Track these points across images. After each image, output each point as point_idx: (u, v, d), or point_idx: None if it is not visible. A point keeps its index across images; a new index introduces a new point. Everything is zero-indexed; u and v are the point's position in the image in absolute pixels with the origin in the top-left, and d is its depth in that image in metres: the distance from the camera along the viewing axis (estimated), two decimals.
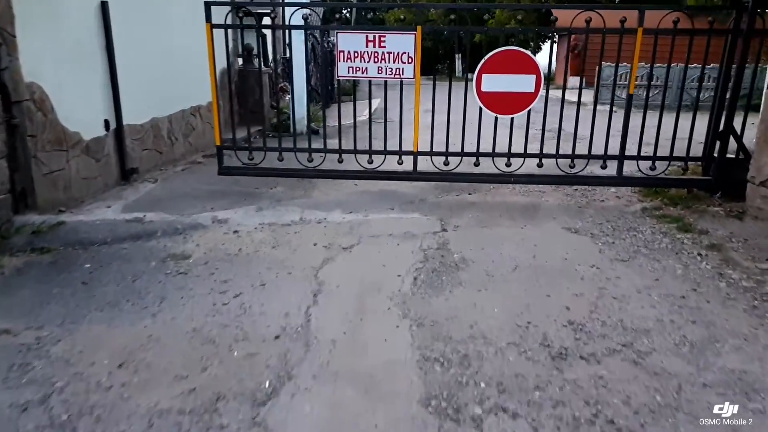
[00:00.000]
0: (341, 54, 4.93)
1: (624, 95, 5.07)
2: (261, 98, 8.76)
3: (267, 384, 2.32)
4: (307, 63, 11.31)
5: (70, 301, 3.04)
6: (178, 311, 2.93)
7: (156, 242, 3.97)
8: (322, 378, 2.37)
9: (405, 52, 4.90)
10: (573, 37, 19.52)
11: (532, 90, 4.88)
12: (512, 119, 5.03)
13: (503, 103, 4.95)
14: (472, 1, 10.61)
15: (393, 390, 2.29)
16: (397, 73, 4.94)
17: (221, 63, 5.16)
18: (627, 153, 5.00)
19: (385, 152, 5.26)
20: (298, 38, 7.93)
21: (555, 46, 5.01)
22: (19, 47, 4.14)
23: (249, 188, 5.53)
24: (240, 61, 9.39)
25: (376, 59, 4.90)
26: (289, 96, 7.50)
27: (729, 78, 4.76)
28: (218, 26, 5.01)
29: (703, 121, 4.92)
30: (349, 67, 4.96)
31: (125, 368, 2.42)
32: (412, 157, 5.21)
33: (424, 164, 5.21)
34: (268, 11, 5.57)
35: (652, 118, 4.95)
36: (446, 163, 5.21)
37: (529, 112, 4.96)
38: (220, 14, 4.95)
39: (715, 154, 4.97)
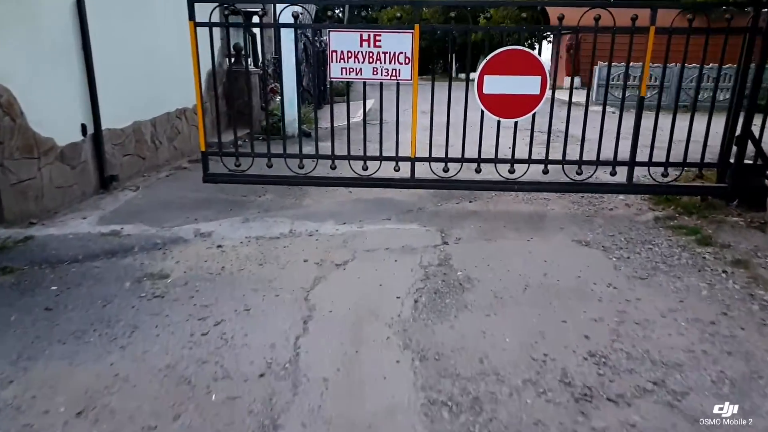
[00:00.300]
0: (334, 54, 4.61)
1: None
2: (250, 100, 8.41)
3: None
4: (299, 63, 10.99)
5: (29, 331, 2.70)
6: (151, 343, 2.60)
7: (132, 259, 3.63)
8: (312, 427, 2.05)
9: (402, 52, 4.58)
10: (568, 36, 19.35)
11: (538, 92, 4.58)
12: (516, 123, 4.74)
13: (507, 107, 4.65)
14: None
15: None
16: (394, 74, 4.63)
17: (207, 64, 4.82)
18: (635, 158, 4.72)
19: (381, 158, 4.95)
20: (288, 37, 7.58)
21: (557, 45, 4.73)
22: None
23: (236, 196, 5.20)
24: (228, 61, 9.03)
25: (371, 60, 4.58)
26: (280, 97, 7.16)
27: (746, 78, 4.48)
28: (202, 24, 4.67)
29: (715, 124, 4.64)
30: (342, 68, 4.64)
31: (84, 417, 2.09)
32: (409, 163, 4.90)
33: (422, 170, 4.90)
34: (257, 9, 5.24)
35: (661, 120, 4.66)
36: (446, 170, 4.91)
37: (534, 115, 4.66)
38: (205, 12, 4.62)
39: (731, 160, 4.69)
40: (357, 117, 10.56)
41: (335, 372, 2.39)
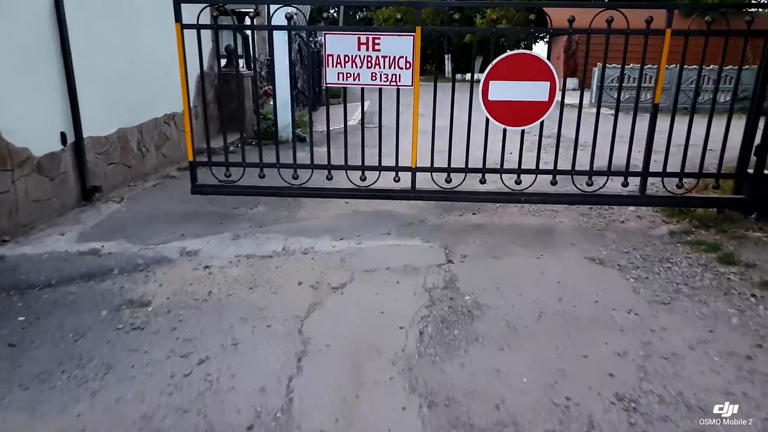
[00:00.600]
0: (330, 58, 4.33)
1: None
2: (243, 104, 8.12)
3: None
4: (293, 65, 10.69)
5: None
6: (126, 387, 2.32)
7: (111, 283, 3.33)
8: None
9: (402, 56, 4.31)
10: (564, 38, 19.14)
11: (546, 99, 4.33)
12: (523, 131, 4.48)
13: (513, 114, 4.39)
14: None
15: None
16: (393, 79, 4.36)
17: (197, 67, 4.54)
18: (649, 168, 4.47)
19: (380, 168, 4.67)
20: (281, 39, 7.29)
21: (566, 48, 4.47)
22: None
23: (226, 208, 4.91)
24: (218, 63, 8.74)
25: (369, 64, 4.31)
26: (273, 101, 6.87)
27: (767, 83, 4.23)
28: (189, 26, 4.40)
29: (731, 130, 4.40)
30: (339, 73, 4.36)
31: None
32: (410, 173, 4.63)
33: (423, 178, 4.63)
34: (249, 10, 4.96)
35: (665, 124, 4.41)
36: (448, 180, 4.64)
37: (542, 123, 4.40)
38: (193, 13, 4.34)
39: (749, 170, 4.44)
40: (354, 120, 10.27)
41: (334, 423, 2.12)
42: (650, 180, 4.59)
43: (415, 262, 3.72)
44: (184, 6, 4.35)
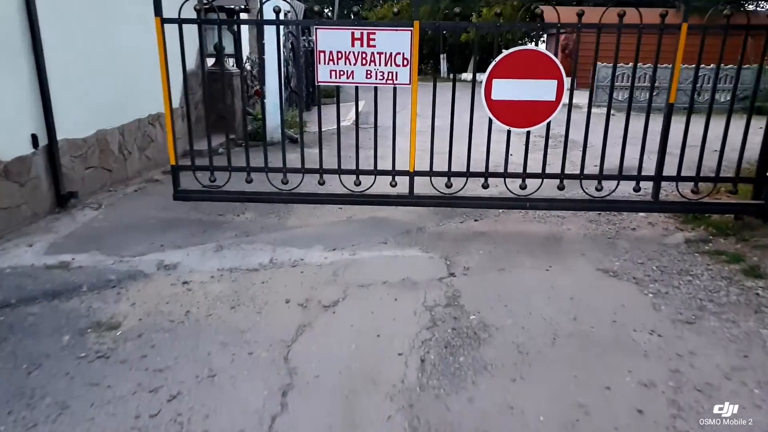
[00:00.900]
0: (322, 55, 4.02)
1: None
2: (232, 104, 7.80)
3: None
4: (286, 63, 10.37)
5: None
6: None
7: (79, 302, 3.01)
8: None
9: (399, 53, 4.01)
10: (563, 37, 18.86)
11: (553, 98, 4.04)
12: (528, 132, 4.19)
13: (518, 114, 4.09)
14: None
15: None
16: (390, 77, 4.06)
17: (186, 65, 4.23)
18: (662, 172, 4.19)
19: (376, 172, 4.37)
20: (271, 36, 6.98)
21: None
22: None
23: (211, 215, 4.59)
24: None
25: (364, 61, 4.00)
26: (261, 101, 6.55)
27: None
28: (170, 21, 4.09)
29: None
30: (331, 71, 4.06)
31: None
32: (407, 177, 4.33)
33: (422, 181, 4.33)
34: (239, 5, 4.65)
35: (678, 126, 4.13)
36: (449, 185, 4.34)
37: (548, 124, 4.11)
38: (179, 7, 4.01)
39: None
40: (348, 120, 9.96)
41: None
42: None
43: (414, 276, 3.42)
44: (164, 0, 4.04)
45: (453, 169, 4.33)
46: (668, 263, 3.64)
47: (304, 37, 11.39)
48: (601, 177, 4.26)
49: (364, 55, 4.01)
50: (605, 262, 3.68)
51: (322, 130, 4.44)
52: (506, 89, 4.04)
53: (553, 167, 4.35)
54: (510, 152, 4.29)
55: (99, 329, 2.72)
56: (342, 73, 4.06)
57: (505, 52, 3.99)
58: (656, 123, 4.06)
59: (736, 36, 3.92)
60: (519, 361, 2.49)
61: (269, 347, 2.57)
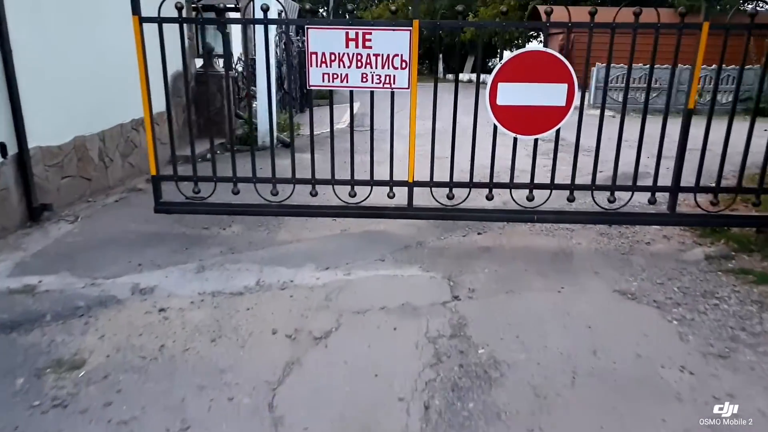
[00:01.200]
0: (314, 57, 3.71)
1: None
2: (222, 107, 7.47)
3: None
4: (279, 65, 10.05)
5: None
6: None
7: (41, 334, 2.69)
8: None
9: (397, 55, 3.71)
10: (561, 37, 18.63)
11: (563, 103, 3.74)
12: (536, 140, 3.89)
13: (525, 121, 3.80)
14: None
15: None
16: (387, 81, 3.75)
17: (171, 66, 3.91)
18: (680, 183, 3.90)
19: (372, 182, 4.06)
20: (261, 36, 6.67)
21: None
22: None
23: (195, 228, 4.27)
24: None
25: (359, 63, 3.69)
26: (249, 103, 6.23)
27: None
28: (150, 20, 3.78)
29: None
30: (324, 74, 3.75)
31: None
32: (406, 188, 4.02)
33: (421, 192, 4.03)
34: (220, 3, 4.33)
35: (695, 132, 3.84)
36: (450, 196, 4.04)
37: (558, 131, 3.82)
38: (159, 5, 3.70)
39: None
40: (342, 123, 9.64)
41: None
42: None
43: (414, 300, 3.11)
44: None
45: (455, 179, 4.03)
46: (690, 284, 3.35)
47: (298, 38, 11.07)
48: (614, 188, 3.97)
49: (359, 57, 3.70)
50: (621, 282, 3.39)
51: (315, 133, 4.13)
52: (513, 94, 3.74)
53: (560, 175, 4.05)
54: (532, 169, 4.01)
55: (60, 369, 2.40)
56: (335, 76, 3.75)
57: (511, 54, 3.70)
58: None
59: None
60: (536, 407, 2.19)
61: (252, 390, 2.26)
